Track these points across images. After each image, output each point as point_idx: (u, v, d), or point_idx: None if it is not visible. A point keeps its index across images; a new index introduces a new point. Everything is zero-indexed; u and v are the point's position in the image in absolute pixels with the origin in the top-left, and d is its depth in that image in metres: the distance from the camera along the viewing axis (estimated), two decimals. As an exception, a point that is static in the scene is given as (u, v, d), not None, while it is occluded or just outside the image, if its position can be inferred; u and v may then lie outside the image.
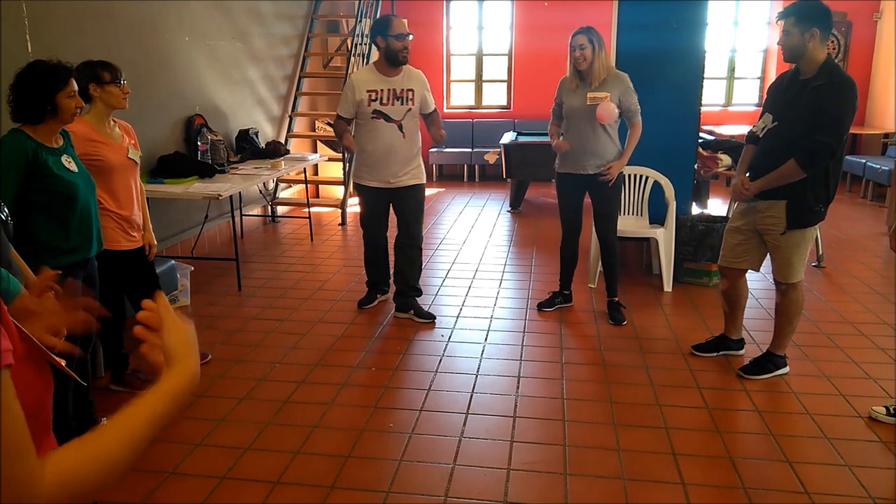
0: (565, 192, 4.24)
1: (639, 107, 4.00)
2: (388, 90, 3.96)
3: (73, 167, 2.58)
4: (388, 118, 3.97)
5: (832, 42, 9.07)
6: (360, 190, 4.19)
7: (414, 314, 4.24)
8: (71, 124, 2.86)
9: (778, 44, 3.19)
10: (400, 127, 3.99)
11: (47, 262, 2.41)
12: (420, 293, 4.37)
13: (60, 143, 2.60)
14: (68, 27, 4.11)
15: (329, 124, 7.85)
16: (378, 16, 7.70)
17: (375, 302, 4.49)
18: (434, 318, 4.25)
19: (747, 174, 3.37)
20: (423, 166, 4.22)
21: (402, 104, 3.98)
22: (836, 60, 3.17)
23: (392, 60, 3.93)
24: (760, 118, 3.35)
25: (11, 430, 0.74)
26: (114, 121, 3.10)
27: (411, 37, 3.95)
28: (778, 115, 3.23)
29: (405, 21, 3.97)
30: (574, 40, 3.93)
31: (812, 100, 3.06)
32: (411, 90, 4.01)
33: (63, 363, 0.95)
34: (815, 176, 3.11)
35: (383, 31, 3.89)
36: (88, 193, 2.63)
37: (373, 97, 3.94)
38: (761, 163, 3.30)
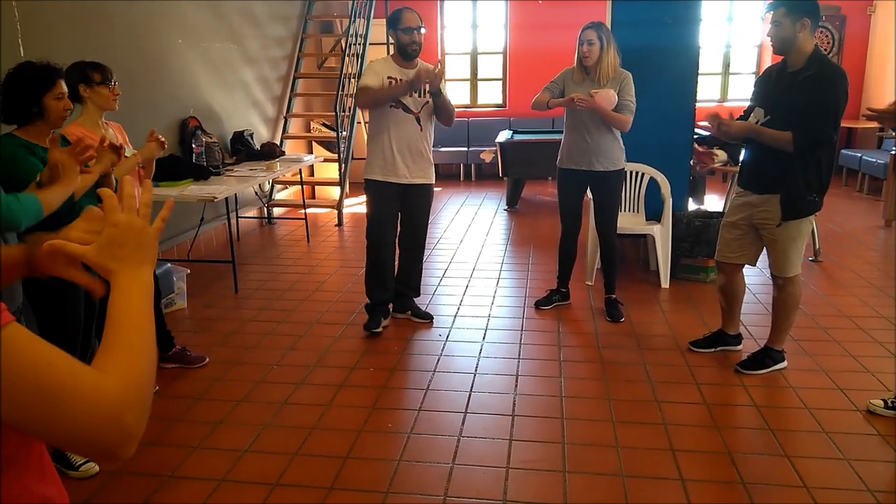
0: (566, 188, 4.23)
1: (632, 106, 3.95)
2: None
3: None
4: (406, 109, 3.88)
5: (826, 36, 9.08)
6: (372, 187, 3.99)
7: (411, 314, 4.23)
8: (65, 129, 2.84)
9: (767, 35, 3.20)
10: (417, 120, 3.91)
11: None
12: (418, 293, 4.36)
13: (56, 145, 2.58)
14: (60, 29, 4.10)
15: (325, 125, 7.85)
16: (372, 15, 7.72)
17: (381, 327, 4.06)
18: (431, 317, 4.24)
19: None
20: (433, 166, 4.10)
21: (419, 96, 3.90)
22: (828, 54, 3.18)
23: (403, 54, 3.88)
24: (751, 113, 3.35)
25: (56, 370, 0.74)
26: (106, 122, 3.09)
27: (423, 30, 3.88)
28: (770, 108, 3.23)
29: (417, 14, 3.88)
30: (583, 35, 3.91)
31: (803, 90, 3.07)
32: (427, 83, 3.89)
33: None
34: (807, 165, 3.11)
35: (394, 24, 3.85)
36: (85, 193, 2.61)
37: (392, 84, 3.85)
38: (757, 156, 3.31)
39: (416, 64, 3.92)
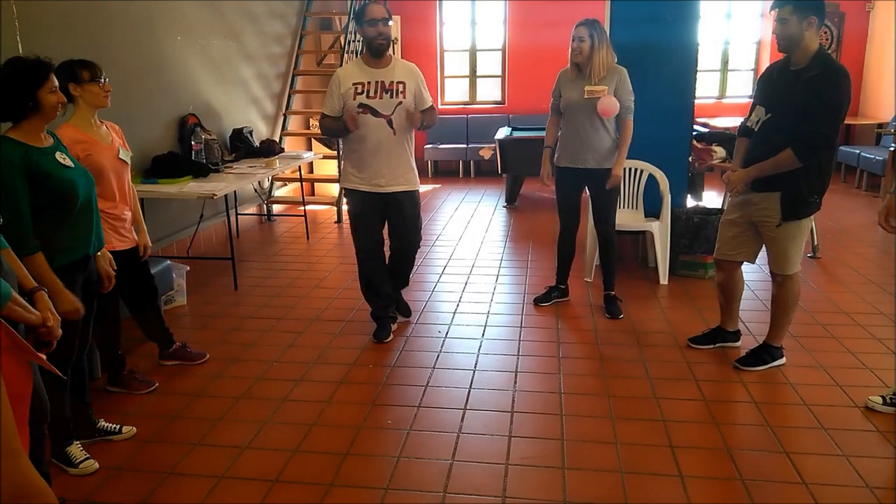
0: (564, 186, 4.23)
1: (632, 106, 3.98)
2: (376, 82, 3.64)
3: (69, 163, 2.51)
4: (375, 112, 3.63)
5: (825, 33, 9.08)
6: (349, 195, 3.84)
7: (395, 308, 4.13)
8: (58, 131, 2.81)
9: (773, 33, 3.18)
10: (389, 123, 3.65)
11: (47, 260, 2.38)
12: (406, 284, 4.25)
13: (50, 141, 2.54)
14: (59, 27, 4.09)
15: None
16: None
17: (391, 336, 3.96)
18: (410, 312, 4.22)
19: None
20: (416, 171, 3.87)
21: (391, 97, 3.64)
22: (828, 51, 3.16)
23: (371, 49, 3.69)
24: (752, 111, 3.34)
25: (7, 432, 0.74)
26: (100, 121, 3.07)
27: (390, 23, 3.69)
28: (771, 106, 3.23)
29: (382, 6, 3.70)
30: (575, 31, 3.92)
31: (807, 90, 3.05)
32: (402, 83, 3.68)
33: (44, 357, 0.94)
34: (809, 167, 3.11)
35: (358, 19, 3.69)
36: (89, 189, 2.58)
37: (358, 90, 3.63)
38: (756, 155, 3.30)
39: (389, 61, 3.73)
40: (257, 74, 6.92)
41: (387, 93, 3.67)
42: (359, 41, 7.47)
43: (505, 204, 7.62)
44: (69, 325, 2.63)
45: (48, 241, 2.43)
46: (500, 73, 9.92)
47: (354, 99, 3.65)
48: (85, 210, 2.56)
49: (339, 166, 7.06)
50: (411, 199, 3.87)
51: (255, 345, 3.89)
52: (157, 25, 5.14)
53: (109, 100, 3.01)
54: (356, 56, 7.39)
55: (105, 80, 2.97)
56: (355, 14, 3.76)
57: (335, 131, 3.74)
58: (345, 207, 7.01)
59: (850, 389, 3.24)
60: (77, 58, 2.97)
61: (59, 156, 2.50)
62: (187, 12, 5.60)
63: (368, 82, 3.67)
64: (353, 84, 3.66)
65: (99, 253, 2.74)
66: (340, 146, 6.98)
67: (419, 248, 4.12)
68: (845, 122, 8.62)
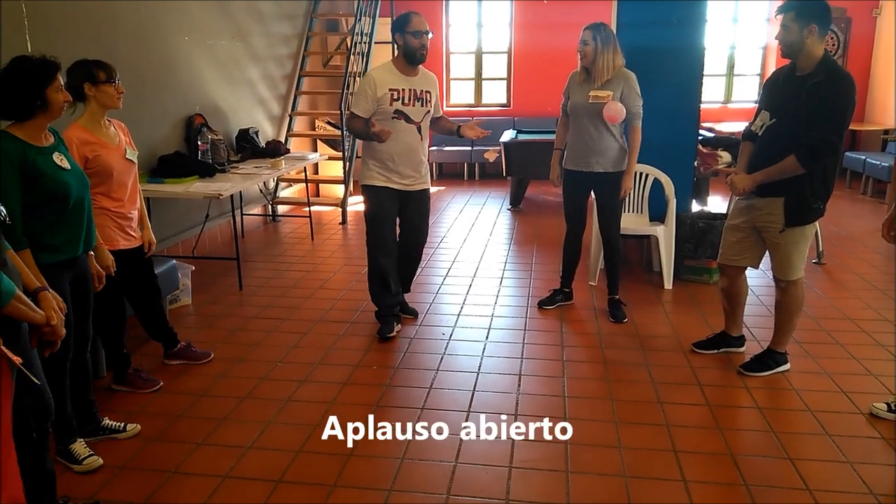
0: (571, 188, 4.23)
1: (640, 111, 3.98)
2: (410, 90, 3.78)
3: (66, 164, 2.52)
4: (408, 119, 3.79)
5: (832, 38, 9.07)
6: (371, 192, 3.90)
7: (399, 310, 4.19)
8: (66, 132, 2.82)
9: (776, 38, 3.19)
10: (419, 129, 3.84)
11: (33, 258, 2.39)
12: (409, 289, 4.34)
13: (51, 140, 2.54)
14: (68, 27, 4.11)
15: (330, 123, 7.86)
16: (378, 14, 7.72)
17: (395, 333, 4.01)
18: (416, 313, 4.27)
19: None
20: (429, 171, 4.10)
21: (422, 106, 3.82)
22: (834, 57, 3.15)
23: (410, 58, 3.78)
24: (757, 115, 3.34)
25: None
26: (108, 120, 3.08)
27: (430, 35, 3.81)
28: (776, 112, 3.22)
29: (424, 18, 3.82)
30: (581, 35, 3.94)
31: (812, 97, 3.05)
32: (429, 92, 3.88)
33: (19, 361, 0.95)
34: (814, 173, 3.11)
35: (401, 28, 3.75)
36: (82, 191, 2.58)
37: (395, 96, 3.74)
38: (760, 160, 3.29)
39: (419, 71, 3.86)
40: (264, 75, 6.94)
41: (418, 101, 3.82)
42: (365, 43, 7.49)
43: (509, 207, 7.61)
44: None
45: (37, 238, 2.44)
46: (505, 75, 9.93)
47: (391, 104, 3.76)
48: (76, 212, 2.56)
49: (344, 168, 7.07)
50: (427, 196, 4.07)
51: (259, 345, 3.90)
52: (164, 26, 5.16)
53: (121, 101, 3.02)
54: (362, 59, 7.41)
55: (119, 81, 2.99)
56: (396, 22, 3.81)
57: (362, 135, 3.82)
58: (351, 208, 7.05)
59: (855, 396, 3.23)
60: (85, 58, 2.99)
61: (56, 156, 2.50)
62: (195, 13, 5.62)
63: (404, 89, 3.79)
64: (390, 90, 3.76)
65: (91, 252, 2.75)
66: (345, 146, 7.04)
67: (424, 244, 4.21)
68: (851, 127, 8.63)
